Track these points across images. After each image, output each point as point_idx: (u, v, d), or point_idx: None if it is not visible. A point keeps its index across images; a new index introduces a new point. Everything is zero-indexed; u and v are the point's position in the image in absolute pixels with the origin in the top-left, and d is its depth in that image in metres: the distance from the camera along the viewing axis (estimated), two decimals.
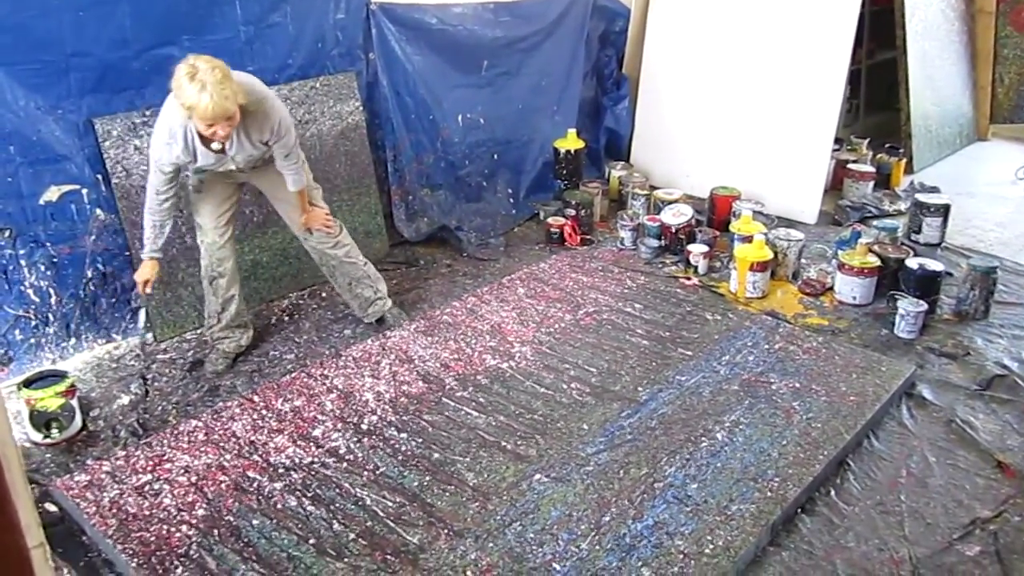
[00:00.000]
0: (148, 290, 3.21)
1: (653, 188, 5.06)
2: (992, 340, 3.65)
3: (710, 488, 2.65)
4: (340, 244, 3.55)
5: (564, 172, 5.10)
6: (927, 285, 3.81)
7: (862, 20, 5.31)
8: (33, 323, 3.32)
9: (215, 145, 2.98)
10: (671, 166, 5.45)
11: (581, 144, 5.12)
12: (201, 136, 2.93)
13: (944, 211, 4.60)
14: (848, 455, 2.89)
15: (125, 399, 3.22)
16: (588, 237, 4.75)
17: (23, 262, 3.25)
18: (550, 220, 4.73)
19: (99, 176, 3.39)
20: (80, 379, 3.29)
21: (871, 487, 2.76)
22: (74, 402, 3.00)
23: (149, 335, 3.51)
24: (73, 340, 3.45)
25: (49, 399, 2.93)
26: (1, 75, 3.04)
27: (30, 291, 3.29)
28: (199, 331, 3.67)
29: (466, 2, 4.54)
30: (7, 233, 3.18)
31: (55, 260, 3.33)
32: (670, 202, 4.73)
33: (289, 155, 3.18)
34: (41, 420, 2.92)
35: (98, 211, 3.42)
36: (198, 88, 2.70)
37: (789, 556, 2.47)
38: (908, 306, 3.66)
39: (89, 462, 2.82)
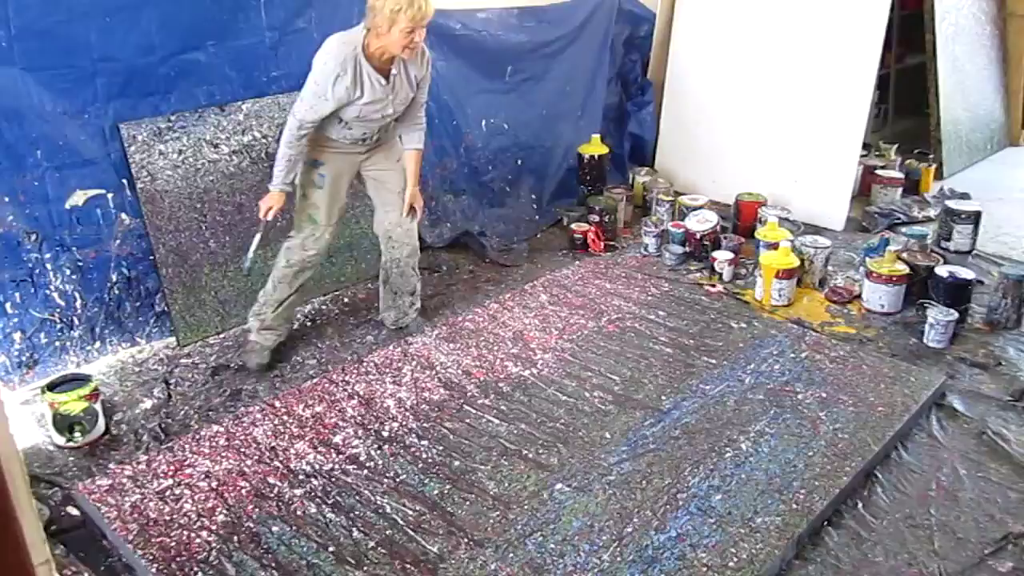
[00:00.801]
0: (269, 216, 3.29)
1: (678, 194, 5.03)
2: None
3: (734, 499, 2.61)
4: (414, 253, 3.66)
5: (588, 178, 5.08)
6: (957, 293, 3.74)
7: (891, 24, 5.25)
8: (58, 326, 3.34)
9: (389, 75, 3.15)
10: (696, 172, 5.41)
11: (605, 149, 5.09)
12: (373, 66, 3.08)
13: (975, 218, 4.53)
14: (876, 467, 2.84)
15: (148, 403, 3.23)
16: (612, 243, 4.72)
17: (49, 266, 3.27)
18: (574, 226, 4.71)
19: (124, 180, 3.40)
20: (104, 383, 3.31)
21: (900, 500, 2.70)
22: (97, 406, 3.02)
23: (248, 264, 3.43)
24: (98, 344, 3.47)
25: (73, 402, 2.94)
26: (29, 80, 3.06)
27: (55, 295, 3.31)
28: (223, 334, 3.69)
29: (491, 7, 4.53)
30: (33, 237, 3.21)
31: (80, 264, 3.35)
32: (695, 208, 4.69)
33: (423, 105, 3.40)
34: (64, 423, 2.93)
35: (123, 215, 3.43)
36: None
37: (815, 570, 2.43)
38: (938, 315, 3.59)
39: (111, 466, 2.83)
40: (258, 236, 3.35)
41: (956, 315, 3.61)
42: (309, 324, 3.85)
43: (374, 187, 3.55)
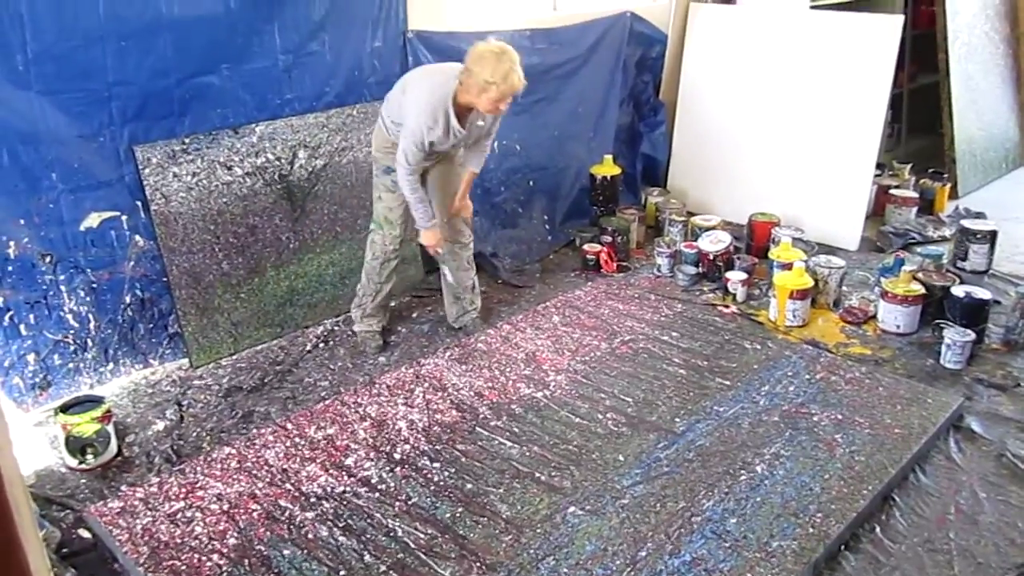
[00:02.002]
0: (440, 249, 3.68)
1: (690, 214, 5.02)
2: None
3: (750, 523, 2.58)
4: (468, 246, 3.87)
5: (600, 198, 5.08)
6: (974, 313, 3.70)
7: (903, 43, 5.24)
8: (72, 348, 3.35)
9: (468, 121, 3.37)
10: (708, 192, 5.40)
11: (618, 170, 5.09)
12: (457, 115, 3.30)
13: (991, 237, 4.49)
14: (894, 490, 2.80)
15: (160, 425, 3.23)
16: (624, 264, 4.71)
17: (63, 287, 3.28)
18: (586, 247, 4.70)
19: (138, 203, 3.42)
20: (116, 404, 3.31)
21: (918, 524, 2.66)
22: (110, 428, 3.02)
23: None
24: (111, 365, 3.48)
25: (85, 424, 2.94)
26: (45, 103, 3.09)
27: (69, 316, 3.32)
28: (236, 355, 3.72)
29: (502, 29, 4.54)
30: (48, 259, 3.22)
31: (94, 286, 3.36)
32: (708, 228, 4.68)
33: (494, 135, 3.64)
34: (77, 446, 2.93)
35: (137, 237, 3.45)
36: (507, 68, 3.13)
37: None
38: (954, 335, 3.56)
39: (123, 488, 2.82)
40: (445, 267, 3.83)
41: (973, 335, 3.57)
42: (322, 345, 3.85)
43: (432, 186, 3.70)
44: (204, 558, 2.47)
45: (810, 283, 3.95)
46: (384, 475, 2.84)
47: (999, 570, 2.46)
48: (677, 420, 3.14)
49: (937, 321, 3.75)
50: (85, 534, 2.65)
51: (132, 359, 3.54)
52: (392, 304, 4.01)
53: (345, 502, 2.71)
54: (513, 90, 3.20)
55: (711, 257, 4.42)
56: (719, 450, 2.95)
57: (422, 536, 2.56)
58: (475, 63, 3.15)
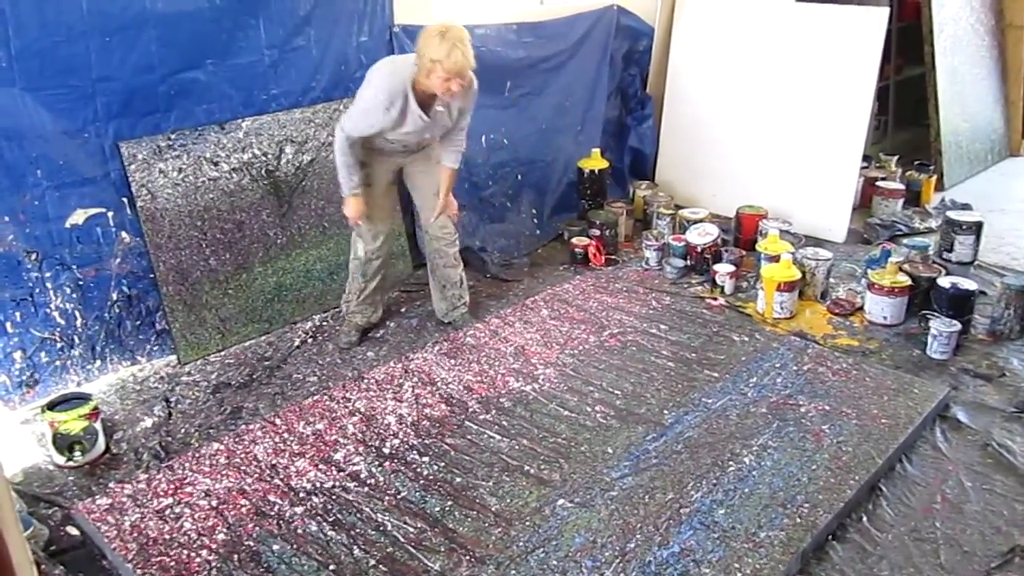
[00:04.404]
0: (360, 221, 3.54)
1: (678, 207, 5.02)
2: None
3: (738, 514, 2.59)
4: (454, 243, 3.83)
5: (588, 192, 5.08)
6: (960, 304, 3.72)
7: (889, 35, 5.26)
8: (59, 345, 3.34)
9: (432, 109, 3.32)
10: (696, 185, 5.41)
11: (605, 164, 5.10)
12: (419, 102, 3.25)
13: (976, 228, 4.52)
14: (880, 480, 2.82)
15: (148, 422, 3.22)
16: (613, 257, 4.71)
17: (49, 285, 3.27)
18: (574, 240, 4.71)
19: (124, 199, 3.41)
20: (104, 401, 3.30)
21: (905, 513, 2.68)
22: (97, 425, 3.01)
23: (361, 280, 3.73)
24: (98, 362, 3.46)
25: (72, 422, 2.93)
26: (28, 100, 3.07)
27: (56, 314, 3.31)
28: (223, 351, 3.70)
29: (489, 23, 4.54)
30: (33, 256, 3.21)
31: (80, 283, 3.35)
32: (695, 221, 4.69)
33: (463, 130, 3.55)
34: (64, 443, 2.92)
35: (123, 234, 3.44)
36: (449, 45, 3.04)
37: None
38: (941, 326, 3.58)
39: (111, 485, 2.81)
40: (358, 240, 3.66)
41: (959, 326, 3.59)
42: (310, 340, 3.84)
43: (412, 187, 3.77)
44: (193, 554, 2.47)
45: (797, 275, 3.96)
46: (373, 469, 2.84)
47: (984, 558, 2.48)
48: (665, 412, 3.15)
49: (923, 312, 3.78)
50: (73, 531, 2.64)
51: (119, 356, 3.53)
52: (382, 299, 3.98)
53: (334, 497, 2.71)
54: (457, 68, 3.09)
55: (699, 250, 4.43)
56: (707, 442, 2.96)
57: (411, 530, 2.56)
58: (422, 43, 3.13)
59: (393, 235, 3.85)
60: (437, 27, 3.12)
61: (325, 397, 3.28)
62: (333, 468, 2.85)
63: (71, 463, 2.94)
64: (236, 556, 2.46)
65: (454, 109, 3.41)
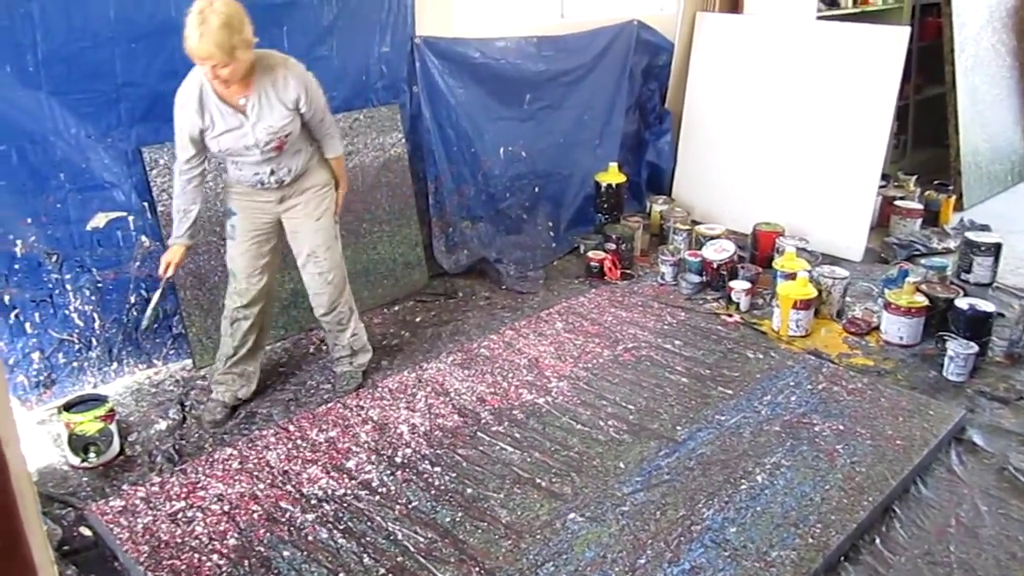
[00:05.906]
0: (170, 272, 3.07)
1: (695, 223, 5.02)
2: None
3: (749, 532, 2.58)
4: (333, 301, 3.37)
5: (605, 206, 5.08)
6: (978, 326, 3.70)
7: (910, 55, 5.24)
8: (76, 347, 3.37)
9: (235, 102, 2.89)
10: (713, 201, 5.41)
11: (623, 178, 5.10)
12: (219, 95, 2.86)
13: (995, 250, 4.49)
14: (894, 502, 2.80)
15: (163, 425, 3.24)
16: (628, 272, 4.71)
17: (69, 287, 3.30)
18: (590, 254, 4.71)
19: (145, 203, 3.44)
20: (120, 403, 3.32)
21: (918, 536, 2.66)
22: (113, 427, 3.03)
23: (146, 321, 3.27)
24: (115, 365, 3.49)
25: (88, 423, 2.95)
26: (54, 104, 3.11)
27: (74, 315, 3.34)
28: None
29: (509, 36, 4.56)
30: (54, 258, 3.24)
31: (100, 285, 3.38)
32: (712, 237, 4.68)
33: (324, 119, 3.12)
34: (80, 444, 2.94)
35: (143, 238, 3.47)
36: (191, 26, 2.64)
37: None
38: (958, 348, 3.55)
39: (125, 487, 2.83)
40: (158, 293, 3.17)
41: (976, 348, 3.57)
42: (324, 348, 3.86)
43: (290, 238, 3.29)
44: (204, 558, 2.48)
45: (814, 293, 3.95)
46: (385, 478, 2.85)
47: None
48: (678, 428, 3.14)
49: (940, 333, 3.75)
50: (86, 532, 2.66)
51: (136, 359, 3.56)
52: (256, 371, 3.43)
53: (345, 505, 2.72)
54: (192, 53, 2.67)
55: (715, 266, 4.42)
56: (720, 459, 2.95)
57: (422, 540, 2.56)
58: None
59: (271, 299, 3.39)
60: (201, 3, 2.67)
61: (339, 405, 3.29)
62: (345, 476, 2.86)
63: (86, 464, 2.96)
64: (247, 561, 2.47)
65: (284, 101, 2.93)
